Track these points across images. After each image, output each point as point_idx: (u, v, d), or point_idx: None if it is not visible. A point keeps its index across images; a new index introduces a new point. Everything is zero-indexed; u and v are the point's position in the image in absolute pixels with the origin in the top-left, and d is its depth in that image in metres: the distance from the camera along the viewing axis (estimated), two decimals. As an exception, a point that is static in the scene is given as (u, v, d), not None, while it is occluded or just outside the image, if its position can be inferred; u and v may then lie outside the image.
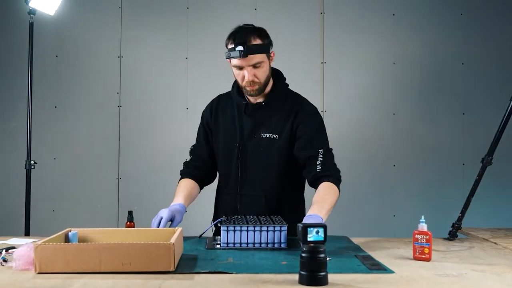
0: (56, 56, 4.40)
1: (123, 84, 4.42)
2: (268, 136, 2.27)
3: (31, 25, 3.39)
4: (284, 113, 2.28)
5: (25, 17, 3.38)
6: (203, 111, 2.48)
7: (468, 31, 4.46)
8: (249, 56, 2.13)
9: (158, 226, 2.07)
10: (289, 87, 2.38)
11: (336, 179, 2.19)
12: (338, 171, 2.24)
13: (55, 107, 4.40)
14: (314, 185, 2.20)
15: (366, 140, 4.40)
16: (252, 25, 2.27)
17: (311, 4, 4.47)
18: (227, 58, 2.19)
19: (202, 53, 4.42)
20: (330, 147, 2.28)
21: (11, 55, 4.34)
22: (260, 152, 2.28)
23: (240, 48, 2.11)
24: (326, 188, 2.14)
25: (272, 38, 2.26)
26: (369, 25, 4.47)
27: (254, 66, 2.16)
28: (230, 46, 2.17)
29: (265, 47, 2.20)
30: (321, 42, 4.45)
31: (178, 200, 2.29)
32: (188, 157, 2.50)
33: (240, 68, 2.18)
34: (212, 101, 2.48)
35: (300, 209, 2.39)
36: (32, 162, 3.37)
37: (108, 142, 4.39)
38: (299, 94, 2.38)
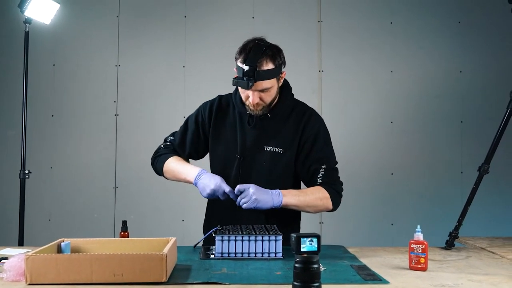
0: (53, 64, 4.40)
1: (120, 92, 4.41)
2: (272, 149, 2.19)
3: (27, 34, 3.39)
4: (290, 126, 2.21)
5: (21, 26, 3.39)
6: (200, 108, 2.33)
7: (466, 39, 4.47)
8: (257, 82, 2.03)
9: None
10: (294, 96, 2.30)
11: (334, 190, 2.17)
12: (341, 184, 2.22)
13: (52, 115, 4.39)
14: None
15: (364, 149, 4.39)
16: (266, 41, 2.14)
17: (308, 12, 4.47)
18: (233, 84, 2.10)
19: (199, 61, 4.42)
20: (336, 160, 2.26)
21: (7, 64, 4.33)
22: (263, 166, 2.20)
23: (249, 75, 2.00)
24: (314, 189, 2.15)
25: None
26: (367, 33, 4.47)
27: (262, 90, 2.08)
28: (240, 64, 2.06)
29: (277, 71, 2.08)
30: (319, 51, 4.45)
31: (196, 168, 2.21)
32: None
33: None
34: (212, 101, 2.32)
35: (297, 222, 2.36)
36: (27, 171, 3.35)
37: (105, 151, 4.38)
38: (305, 104, 2.30)
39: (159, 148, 2.37)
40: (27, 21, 3.38)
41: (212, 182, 2.09)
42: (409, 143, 4.43)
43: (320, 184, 2.16)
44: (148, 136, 4.31)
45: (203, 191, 2.11)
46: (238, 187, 2.06)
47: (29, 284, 1.52)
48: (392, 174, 4.41)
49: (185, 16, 4.46)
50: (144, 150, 4.31)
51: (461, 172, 4.39)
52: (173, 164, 2.26)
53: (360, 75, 4.46)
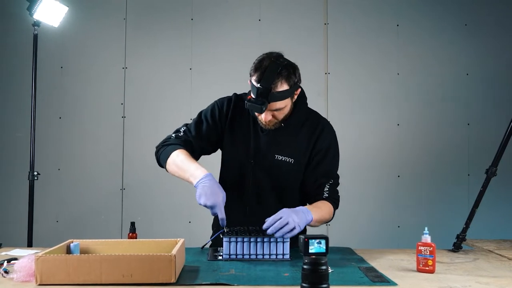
0: (61, 67, 4.43)
1: (127, 94, 4.43)
2: (283, 159, 2.17)
3: (35, 36, 3.42)
4: (303, 137, 2.19)
5: (30, 29, 3.42)
6: (216, 104, 2.25)
7: (472, 41, 4.47)
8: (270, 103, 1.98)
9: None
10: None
11: (335, 205, 2.20)
12: (339, 198, 2.23)
13: (60, 118, 4.41)
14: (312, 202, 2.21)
15: (370, 151, 4.39)
16: (282, 59, 2.05)
17: (315, 15, 4.48)
18: (246, 107, 2.02)
19: (206, 63, 4.44)
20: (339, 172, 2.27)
21: (16, 67, 4.36)
22: (273, 173, 2.19)
23: (262, 96, 1.94)
24: (325, 205, 2.15)
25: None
26: (373, 35, 4.48)
27: (275, 110, 2.04)
28: (254, 82, 1.98)
29: (291, 91, 2.03)
30: (325, 53, 4.45)
31: (203, 170, 2.02)
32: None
33: None
34: (229, 100, 2.26)
35: None
36: (35, 173, 3.38)
37: (112, 152, 4.40)
38: (318, 114, 2.28)
39: (169, 137, 2.23)
40: (36, 24, 3.41)
41: (211, 199, 1.92)
42: (415, 145, 4.42)
43: (325, 198, 2.18)
44: (155, 138, 4.26)
45: (199, 198, 1.94)
46: (270, 222, 1.92)
47: (39, 285, 1.53)
48: (399, 176, 4.41)
49: (192, 19, 4.48)
50: (151, 152, 4.35)
51: (468, 175, 4.38)
52: (181, 158, 2.08)
53: (366, 77, 4.46)
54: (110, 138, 4.41)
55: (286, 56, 2.11)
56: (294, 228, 1.88)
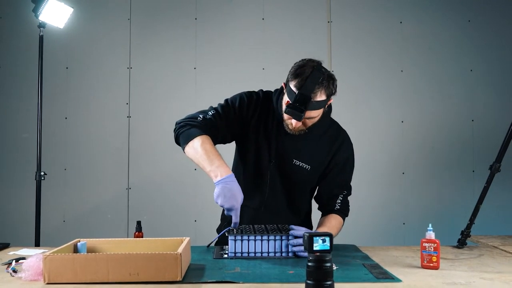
0: (67, 68, 4.45)
1: (132, 94, 4.45)
2: (300, 164, 2.18)
3: (41, 38, 3.45)
4: (322, 147, 2.21)
5: (35, 30, 3.44)
6: (246, 96, 2.22)
7: (476, 37, 4.46)
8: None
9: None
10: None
11: (345, 216, 2.26)
12: (349, 209, 2.29)
13: (66, 118, 4.44)
14: (325, 212, 2.26)
15: (374, 148, 4.39)
16: (323, 68, 2.01)
17: (318, 13, 4.48)
18: (285, 112, 2.01)
19: (210, 63, 4.45)
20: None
21: (22, 68, 4.39)
22: (289, 177, 2.22)
23: (301, 103, 1.92)
24: (337, 222, 2.21)
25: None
26: (377, 33, 4.47)
27: (307, 118, 2.03)
28: (293, 88, 1.96)
29: (327, 101, 2.02)
30: (329, 51, 4.46)
31: (227, 169, 1.99)
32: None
33: None
34: (258, 95, 2.23)
35: (309, 221, 2.41)
36: (42, 173, 3.40)
37: (118, 152, 4.42)
38: (339, 125, 2.29)
39: (195, 117, 2.15)
40: (41, 25, 3.43)
41: (229, 202, 1.90)
42: (420, 142, 4.42)
43: (337, 211, 2.23)
44: (160, 137, 4.34)
45: (217, 198, 1.92)
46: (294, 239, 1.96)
47: (47, 284, 1.55)
48: (403, 173, 4.41)
49: (195, 18, 4.49)
50: (157, 151, 4.41)
51: (473, 171, 4.37)
52: (206, 147, 2.01)
53: (370, 75, 4.46)
54: (115, 138, 4.43)
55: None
56: None
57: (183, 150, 2.10)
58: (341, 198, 2.23)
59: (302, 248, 1.91)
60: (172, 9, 4.49)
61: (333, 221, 2.20)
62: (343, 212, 2.25)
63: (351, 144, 2.29)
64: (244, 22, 4.47)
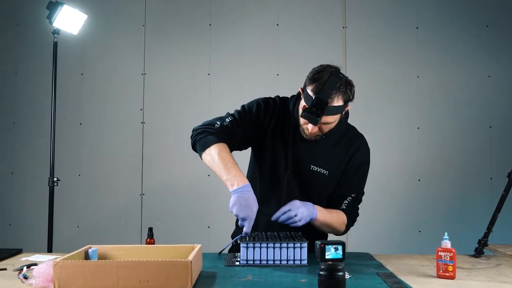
0: (81, 74, 4.48)
1: (146, 100, 4.47)
2: (317, 170, 2.18)
3: (55, 44, 3.48)
4: (339, 151, 2.20)
5: (50, 37, 3.47)
6: (262, 102, 2.21)
7: (494, 43, 4.40)
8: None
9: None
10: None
11: (351, 219, 2.23)
12: (357, 215, 2.26)
13: (80, 124, 4.46)
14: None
15: (390, 155, 4.35)
16: (341, 74, 2.01)
17: (333, 18, 4.46)
18: (301, 116, 2.01)
19: (224, 69, 4.45)
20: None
21: (36, 74, 4.43)
22: (307, 183, 2.20)
23: (318, 108, 1.93)
24: (338, 212, 2.19)
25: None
26: (392, 39, 4.44)
27: (323, 123, 2.03)
28: (310, 92, 1.96)
29: (344, 107, 2.02)
30: (344, 57, 4.43)
31: (243, 178, 2.00)
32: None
33: None
34: (275, 102, 2.23)
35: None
36: (55, 179, 3.42)
37: (132, 158, 4.43)
38: (356, 129, 2.30)
39: (213, 123, 2.15)
40: (56, 32, 3.46)
41: (244, 212, 1.92)
42: (436, 148, 4.37)
43: (343, 210, 2.20)
44: (174, 143, 4.35)
45: (232, 207, 1.93)
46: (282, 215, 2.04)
47: (57, 290, 1.54)
48: (419, 180, 4.36)
49: (210, 24, 4.49)
50: (171, 157, 4.41)
51: (491, 178, 4.31)
52: (223, 155, 2.02)
53: (386, 81, 4.42)
54: (129, 143, 4.45)
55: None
56: (300, 220, 2.01)
57: (200, 157, 2.12)
58: (349, 200, 2.20)
59: (289, 216, 2.01)
60: (186, 15, 4.50)
61: (334, 213, 2.17)
62: (349, 213, 2.20)
63: (368, 149, 2.28)
64: (259, 28, 4.46)
